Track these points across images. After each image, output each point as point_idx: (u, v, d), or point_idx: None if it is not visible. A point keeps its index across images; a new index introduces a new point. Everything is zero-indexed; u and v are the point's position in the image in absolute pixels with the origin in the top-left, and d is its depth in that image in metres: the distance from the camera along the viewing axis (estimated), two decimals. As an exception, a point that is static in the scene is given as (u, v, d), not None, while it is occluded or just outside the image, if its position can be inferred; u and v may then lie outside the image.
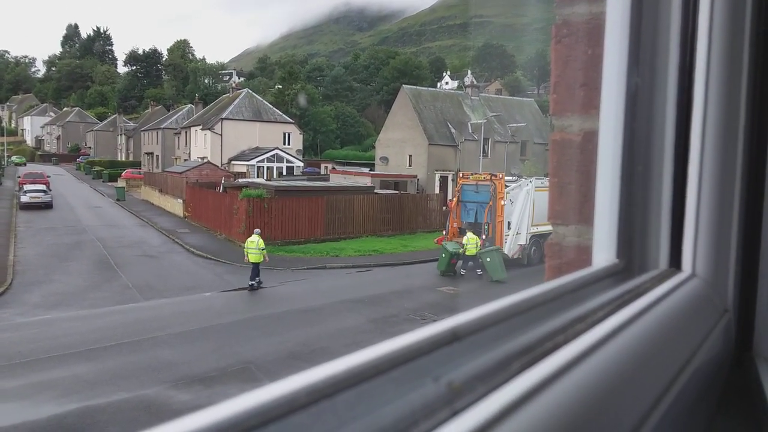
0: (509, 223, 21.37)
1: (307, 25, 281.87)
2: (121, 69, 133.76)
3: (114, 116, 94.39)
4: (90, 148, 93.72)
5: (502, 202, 21.20)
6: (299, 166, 48.10)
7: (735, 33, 1.02)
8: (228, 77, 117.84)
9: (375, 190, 32.49)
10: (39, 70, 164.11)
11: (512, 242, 21.40)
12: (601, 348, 0.61)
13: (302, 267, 21.72)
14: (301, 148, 53.63)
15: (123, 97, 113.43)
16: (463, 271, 20.14)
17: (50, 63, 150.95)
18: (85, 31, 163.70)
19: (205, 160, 43.96)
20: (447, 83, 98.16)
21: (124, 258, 22.85)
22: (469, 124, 45.02)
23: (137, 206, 40.95)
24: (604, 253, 1.02)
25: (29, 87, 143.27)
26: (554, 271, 1.19)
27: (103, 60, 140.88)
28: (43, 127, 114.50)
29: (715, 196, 1.04)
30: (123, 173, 58.66)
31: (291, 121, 54.09)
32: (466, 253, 19.80)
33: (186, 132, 56.21)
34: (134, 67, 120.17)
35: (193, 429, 0.32)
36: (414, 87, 49.88)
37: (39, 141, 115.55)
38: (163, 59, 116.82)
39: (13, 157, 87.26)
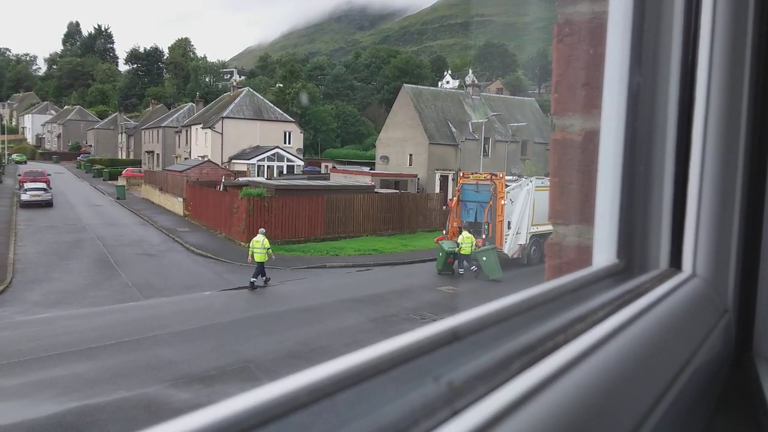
0: (509, 223, 21.37)
1: (308, 24, 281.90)
2: (122, 67, 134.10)
3: (115, 114, 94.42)
4: (91, 146, 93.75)
5: (503, 202, 21.20)
6: (300, 165, 48.11)
7: (737, 33, 1.02)
8: (229, 76, 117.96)
9: (375, 190, 32.50)
10: (40, 68, 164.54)
11: (512, 242, 21.40)
12: (601, 348, 0.61)
13: (302, 266, 21.72)
14: (302, 147, 53.64)
15: (124, 96, 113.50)
16: (461, 271, 20.15)
17: (51, 61, 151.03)
18: (87, 29, 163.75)
19: (206, 159, 43.97)
20: (448, 82, 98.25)
21: (124, 256, 22.86)
22: (469, 124, 45.03)
23: (137, 205, 40.96)
24: (604, 253, 1.02)
25: (30, 85, 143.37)
26: (554, 270, 1.19)
27: (104, 58, 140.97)
28: (43, 125, 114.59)
29: (716, 196, 1.04)
30: (123, 172, 58.66)
31: (292, 119, 54.10)
32: (461, 252, 19.84)
33: (187, 130, 56.23)
34: (135, 66, 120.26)
35: (193, 428, 0.32)
36: (415, 86, 49.88)
37: (40, 139, 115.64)
38: (164, 57, 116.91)
39: (14, 155, 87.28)
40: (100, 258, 22.54)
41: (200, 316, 14.80)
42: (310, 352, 12.01)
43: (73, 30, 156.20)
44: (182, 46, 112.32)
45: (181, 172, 39.23)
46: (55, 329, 13.70)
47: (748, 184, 1.07)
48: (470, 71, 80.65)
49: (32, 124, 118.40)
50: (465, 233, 20.11)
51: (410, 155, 44.18)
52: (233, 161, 47.11)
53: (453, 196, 25.79)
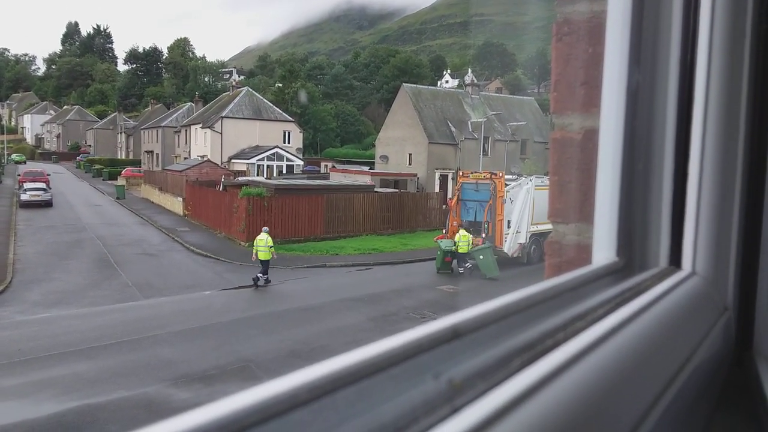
0: (509, 222, 21.38)
1: (307, 24, 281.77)
2: (121, 67, 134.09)
3: (114, 114, 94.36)
4: (90, 146, 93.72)
5: (502, 201, 21.21)
6: (299, 165, 48.10)
7: (736, 31, 1.02)
8: (228, 75, 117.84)
9: (375, 189, 32.49)
10: (39, 68, 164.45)
11: (512, 241, 21.41)
12: (601, 346, 0.61)
13: (302, 265, 21.72)
14: (301, 146, 53.63)
15: (123, 96, 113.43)
16: (461, 270, 20.17)
17: (50, 61, 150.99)
18: (86, 29, 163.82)
19: (205, 159, 43.95)
20: (447, 82, 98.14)
21: (123, 256, 22.86)
22: (469, 123, 45.00)
23: (137, 204, 40.95)
24: (604, 251, 1.02)
25: (29, 85, 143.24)
26: (554, 269, 1.19)
27: (103, 58, 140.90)
28: (43, 125, 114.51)
29: (716, 194, 1.04)
30: (123, 171, 58.67)
31: (291, 119, 54.08)
32: (459, 251, 19.86)
33: (186, 130, 56.19)
34: (134, 66, 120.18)
35: (194, 426, 0.32)
36: (414, 85, 49.85)
37: (39, 139, 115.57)
38: (163, 57, 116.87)
39: (13, 156, 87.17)
40: (99, 258, 22.54)
41: (200, 315, 14.80)
42: (310, 351, 12.01)
43: (72, 30, 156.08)
44: (181, 46, 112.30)
45: (180, 171, 39.23)
46: (55, 329, 13.70)
47: (748, 182, 1.07)
48: (469, 70, 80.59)
49: (31, 124, 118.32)
50: (461, 231, 20.15)
51: (410, 154, 44.17)
52: (233, 161, 47.10)
53: (453, 195, 25.80)
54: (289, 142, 50.89)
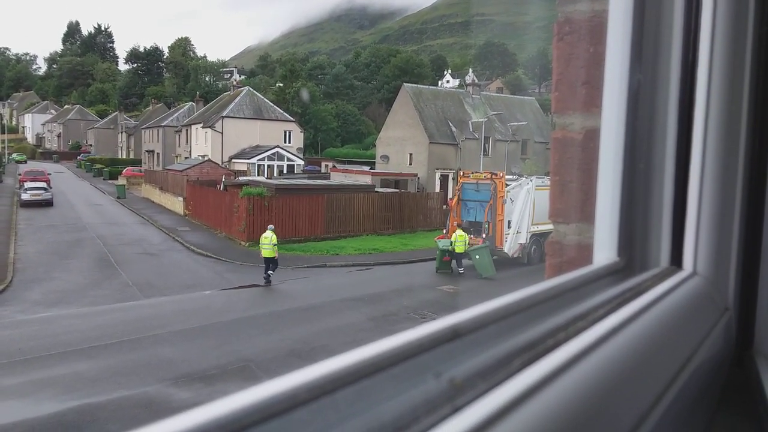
0: (509, 222, 21.38)
1: (308, 23, 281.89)
2: (122, 66, 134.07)
3: (115, 114, 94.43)
4: (91, 145, 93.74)
5: (503, 201, 21.22)
6: (300, 165, 48.10)
7: (738, 31, 1.02)
8: (229, 75, 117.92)
9: (375, 189, 32.48)
10: (40, 67, 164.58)
11: (512, 241, 21.41)
12: (602, 345, 0.61)
13: (302, 265, 21.73)
14: (302, 146, 53.63)
15: (124, 95, 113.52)
16: (461, 270, 20.17)
17: (51, 60, 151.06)
18: (87, 29, 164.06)
19: (206, 158, 43.97)
20: (448, 82, 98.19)
21: (124, 256, 22.87)
22: (469, 123, 45.00)
23: (138, 204, 40.97)
24: (604, 251, 1.02)
25: (30, 84, 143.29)
26: (555, 269, 1.19)
27: (104, 57, 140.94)
28: (43, 124, 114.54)
29: (717, 194, 1.04)
30: (124, 171, 58.68)
31: (292, 119, 54.08)
32: (456, 251, 19.86)
33: (187, 130, 56.21)
34: (135, 65, 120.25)
35: (194, 425, 0.32)
36: (415, 85, 49.87)
37: (40, 138, 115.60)
38: (164, 57, 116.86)
39: (14, 155, 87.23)
40: (100, 257, 22.55)
41: (200, 315, 14.81)
42: (310, 351, 12.01)
43: (73, 29, 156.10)
44: (182, 46, 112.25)
45: (181, 171, 39.25)
46: (56, 328, 13.71)
47: (749, 182, 1.07)
48: (470, 70, 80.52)
49: (32, 124, 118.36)
50: (458, 231, 20.17)
51: (410, 154, 44.16)
52: (233, 160, 47.11)
53: (453, 195, 25.80)
54: (289, 142, 50.91)
